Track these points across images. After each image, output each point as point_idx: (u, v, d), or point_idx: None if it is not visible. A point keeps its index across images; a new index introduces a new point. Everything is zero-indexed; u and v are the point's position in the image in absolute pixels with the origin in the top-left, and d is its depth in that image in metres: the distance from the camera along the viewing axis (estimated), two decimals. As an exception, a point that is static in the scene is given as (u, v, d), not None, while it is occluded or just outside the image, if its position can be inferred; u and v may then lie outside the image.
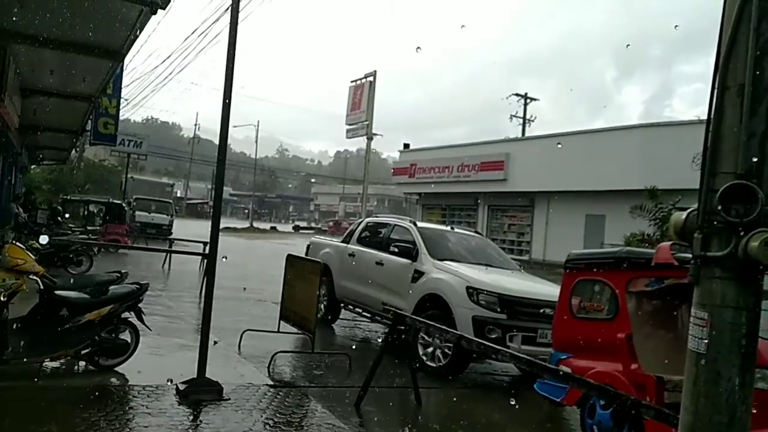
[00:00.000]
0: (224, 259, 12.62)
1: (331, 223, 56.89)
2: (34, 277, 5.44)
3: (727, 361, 2.80)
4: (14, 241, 5.95)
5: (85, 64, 9.10)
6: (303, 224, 65.51)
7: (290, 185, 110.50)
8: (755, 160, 2.81)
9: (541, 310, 7.19)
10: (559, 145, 21.94)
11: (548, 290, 7.59)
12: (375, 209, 60.67)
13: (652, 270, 5.01)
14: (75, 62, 9.05)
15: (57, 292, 5.64)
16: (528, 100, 41.25)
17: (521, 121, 41.04)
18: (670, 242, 4.92)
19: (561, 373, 4.44)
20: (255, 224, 55.63)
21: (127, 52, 8.39)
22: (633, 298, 5.20)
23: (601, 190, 22.94)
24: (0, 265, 5.28)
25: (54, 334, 5.53)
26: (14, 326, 5.47)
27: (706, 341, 2.84)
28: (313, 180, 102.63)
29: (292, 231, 54.78)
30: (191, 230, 23.60)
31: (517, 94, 41.23)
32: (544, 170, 25.37)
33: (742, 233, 2.77)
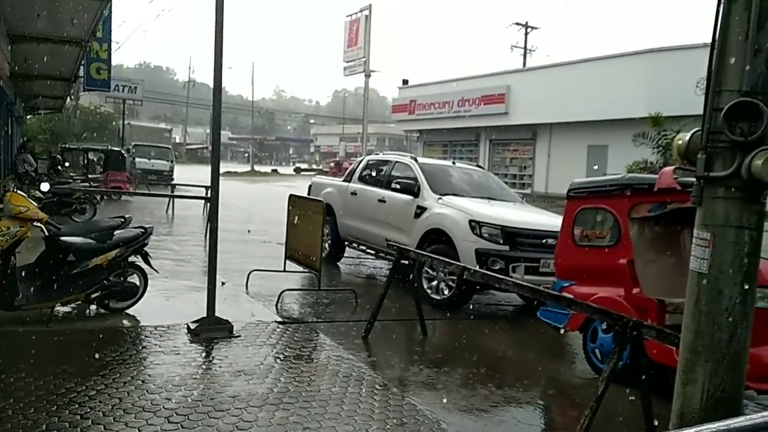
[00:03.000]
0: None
1: (332, 164, 56.55)
2: (39, 224, 5.45)
3: (729, 279, 2.83)
4: (16, 189, 5.93)
5: (72, 6, 8.83)
6: (304, 166, 65.38)
7: (289, 127, 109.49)
8: (761, 75, 2.75)
9: (544, 241, 7.24)
10: (562, 75, 21.51)
11: (550, 221, 7.62)
12: (375, 148, 60.19)
13: (655, 195, 5.01)
14: (61, 4, 8.79)
15: (62, 238, 5.68)
16: (528, 29, 40.23)
17: (522, 52, 40.16)
18: (673, 167, 4.93)
19: (563, 298, 4.50)
20: (256, 167, 55.49)
21: (114, -9, 8.12)
22: (635, 224, 5.22)
23: (603, 120, 22.71)
24: (3, 213, 5.29)
25: (63, 279, 5.60)
26: (23, 273, 5.54)
27: (709, 261, 2.86)
28: (312, 121, 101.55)
29: (294, 173, 54.73)
30: (192, 175, 23.55)
31: (517, 23, 40.17)
32: (545, 102, 25.03)
33: (746, 152, 2.75)
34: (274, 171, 55.23)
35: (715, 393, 2.84)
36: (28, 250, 5.97)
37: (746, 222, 2.81)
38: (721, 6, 2.84)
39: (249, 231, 13.30)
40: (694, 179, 2.98)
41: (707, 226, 2.89)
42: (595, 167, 21.65)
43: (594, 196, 5.66)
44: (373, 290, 7.88)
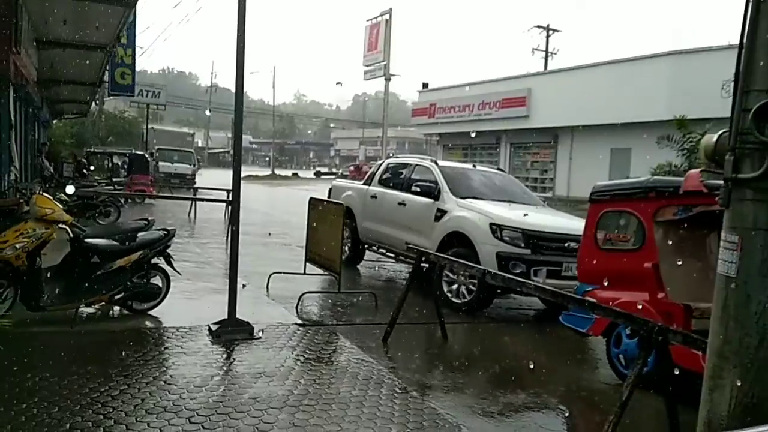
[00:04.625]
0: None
1: (351, 168, 56.70)
2: (64, 226, 5.54)
3: (759, 283, 2.77)
4: (42, 192, 6.04)
5: (97, 12, 9.00)
6: (324, 170, 65.53)
7: (309, 131, 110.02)
8: (792, 75, 2.69)
9: (566, 244, 7.16)
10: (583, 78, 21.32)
11: (572, 224, 7.53)
12: (395, 152, 60.27)
13: (680, 198, 4.93)
14: (87, 11, 8.96)
15: (87, 240, 5.76)
16: (550, 32, 39.91)
17: (543, 54, 39.83)
18: (699, 170, 4.85)
19: (587, 302, 4.44)
20: (276, 171, 55.85)
21: (138, -3, 8.26)
22: (660, 227, 5.14)
23: (626, 123, 22.39)
24: (29, 215, 5.38)
25: (87, 280, 5.68)
26: (48, 274, 5.63)
27: (737, 264, 2.80)
28: (332, 125, 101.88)
29: (314, 177, 54.98)
30: (214, 179, 23.77)
31: (538, 26, 39.87)
32: (567, 104, 24.78)
33: (775, 153, 2.68)
34: (295, 175, 55.53)
35: (743, 400, 2.78)
36: (53, 252, 6.05)
37: (776, 224, 2.74)
38: (750, 5, 2.78)
39: (269, 234, 13.37)
40: (720, 182, 2.92)
41: (735, 228, 2.83)
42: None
43: (618, 199, 5.58)
44: (393, 293, 7.86)
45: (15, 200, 6.26)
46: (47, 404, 3.87)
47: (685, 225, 5.08)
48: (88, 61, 12.93)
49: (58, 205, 5.66)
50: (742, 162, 2.80)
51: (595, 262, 5.63)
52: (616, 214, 5.63)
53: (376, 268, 10.65)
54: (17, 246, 5.21)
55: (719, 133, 3.01)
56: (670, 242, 5.14)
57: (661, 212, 5.08)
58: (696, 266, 5.12)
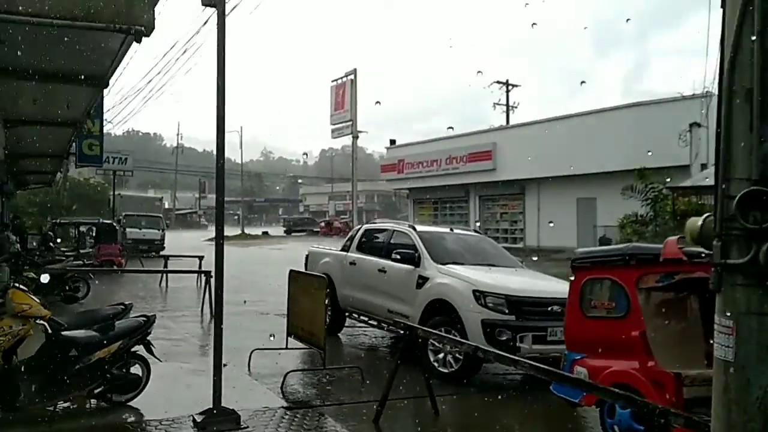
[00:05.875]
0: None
1: (322, 224, 56.62)
2: (41, 322, 5.34)
3: (757, 368, 2.80)
4: (16, 284, 5.85)
5: (68, 93, 8.96)
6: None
7: (278, 188, 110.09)
8: (769, 164, 2.81)
9: (549, 308, 7.19)
10: (547, 131, 22.13)
11: (554, 287, 7.60)
12: (365, 206, 60.62)
13: (661, 265, 5.03)
14: (58, 91, 8.90)
15: (64, 333, 5.56)
16: (510, 87, 41.23)
17: (504, 108, 41.00)
18: (677, 237, 4.98)
19: (584, 384, 4.43)
20: (246, 230, 55.38)
21: (110, 78, 8.27)
22: (643, 294, 5.21)
23: (590, 173, 23.05)
24: (5, 311, 5.19)
25: (65, 375, 5.44)
26: (23, 371, 5.38)
27: (734, 349, 2.84)
28: (300, 181, 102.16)
29: (284, 234, 54.65)
30: (185, 242, 23.43)
31: (498, 82, 41.16)
32: (532, 157, 25.43)
33: (762, 239, 2.77)
34: (265, 233, 55.07)
35: (752, 484, 2.77)
36: (28, 344, 5.81)
37: (768, 309, 2.81)
38: (724, 97, 2.93)
39: (245, 302, 13.11)
40: (699, 249, 2.99)
41: (729, 313, 2.89)
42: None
43: (599, 266, 5.65)
44: (378, 364, 7.76)
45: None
46: None
47: (668, 290, 5.17)
48: (56, 136, 12.81)
49: (35, 299, 5.48)
50: (729, 248, 2.87)
51: (582, 330, 5.66)
52: (599, 281, 5.69)
53: (357, 336, 10.50)
54: (-8, 345, 5.00)
55: (703, 217, 3.11)
56: (655, 308, 5.21)
57: (644, 280, 5.16)
58: (682, 331, 5.19)
